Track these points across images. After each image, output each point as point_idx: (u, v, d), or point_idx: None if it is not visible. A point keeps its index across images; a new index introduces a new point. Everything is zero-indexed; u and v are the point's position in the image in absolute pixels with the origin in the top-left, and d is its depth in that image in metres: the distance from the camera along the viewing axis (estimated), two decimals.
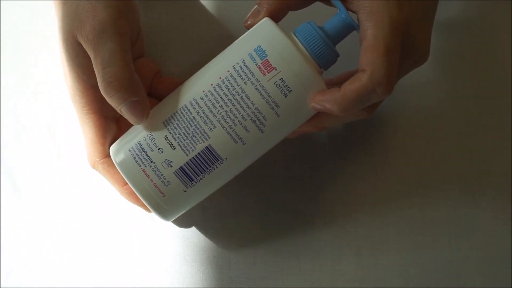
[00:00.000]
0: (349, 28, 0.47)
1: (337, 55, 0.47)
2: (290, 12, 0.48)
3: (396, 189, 0.56)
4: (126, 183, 0.50)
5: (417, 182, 0.56)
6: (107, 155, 0.50)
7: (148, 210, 0.52)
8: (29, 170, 0.56)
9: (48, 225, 0.55)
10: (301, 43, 0.46)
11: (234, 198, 0.55)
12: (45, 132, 0.56)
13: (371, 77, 0.44)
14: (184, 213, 0.50)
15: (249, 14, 0.48)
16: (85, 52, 0.47)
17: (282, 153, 0.55)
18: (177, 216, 0.50)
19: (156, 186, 0.47)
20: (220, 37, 0.58)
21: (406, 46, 0.46)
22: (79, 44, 0.47)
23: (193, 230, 0.55)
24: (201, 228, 0.55)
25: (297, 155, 0.56)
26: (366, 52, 0.44)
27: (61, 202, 0.55)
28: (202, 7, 0.59)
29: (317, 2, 0.49)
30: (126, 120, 0.51)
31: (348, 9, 0.47)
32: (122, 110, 0.46)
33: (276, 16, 0.47)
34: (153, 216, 0.55)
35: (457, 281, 0.54)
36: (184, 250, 0.54)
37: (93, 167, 0.52)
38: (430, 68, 0.55)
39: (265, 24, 0.46)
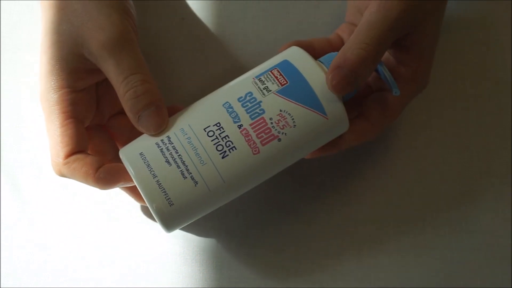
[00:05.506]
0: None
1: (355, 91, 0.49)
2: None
3: (396, 189, 0.56)
4: (98, 168, 0.48)
5: (417, 182, 0.56)
6: (70, 154, 0.48)
7: (142, 202, 0.52)
8: (29, 170, 0.56)
9: (48, 225, 0.55)
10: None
11: (234, 198, 0.55)
12: (44, 132, 0.56)
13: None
14: None
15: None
16: (84, 59, 0.48)
17: None
18: (179, 228, 0.49)
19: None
20: (220, 37, 0.58)
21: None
22: (82, 56, 0.48)
23: (193, 230, 0.55)
24: (201, 228, 0.55)
25: None
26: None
27: (61, 202, 0.55)
28: (202, 7, 0.59)
29: (322, 2, 0.49)
30: (97, 132, 0.51)
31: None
32: (144, 115, 0.46)
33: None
34: (154, 217, 0.54)
35: (457, 281, 0.54)
36: (184, 250, 0.54)
37: (59, 173, 0.49)
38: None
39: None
